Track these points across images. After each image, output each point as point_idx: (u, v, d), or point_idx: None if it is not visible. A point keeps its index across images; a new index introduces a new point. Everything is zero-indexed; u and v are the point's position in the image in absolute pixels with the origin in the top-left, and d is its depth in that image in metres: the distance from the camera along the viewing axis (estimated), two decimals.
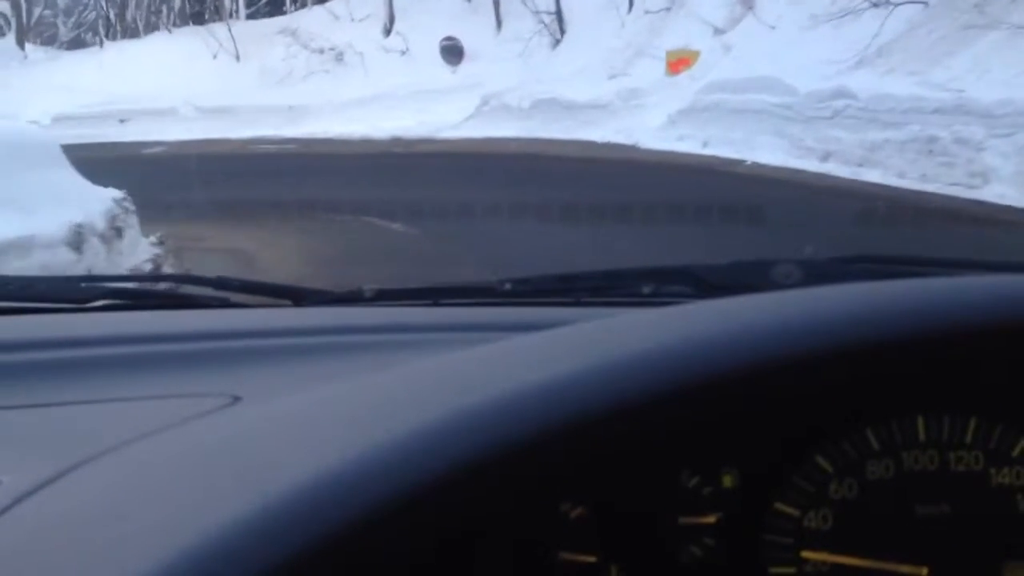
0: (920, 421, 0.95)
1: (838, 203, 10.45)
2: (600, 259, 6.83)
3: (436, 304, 1.65)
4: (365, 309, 1.66)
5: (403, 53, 20.53)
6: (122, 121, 19.52)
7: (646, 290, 1.62)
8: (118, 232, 7.80)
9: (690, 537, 0.94)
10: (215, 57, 21.43)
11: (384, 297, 1.66)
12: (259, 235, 9.71)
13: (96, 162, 14.04)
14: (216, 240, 9.31)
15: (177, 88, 20.64)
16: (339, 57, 20.65)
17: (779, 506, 0.94)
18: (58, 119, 19.32)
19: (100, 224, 7.48)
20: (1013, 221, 8.95)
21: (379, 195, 11.63)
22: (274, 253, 8.90)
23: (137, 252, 8.02)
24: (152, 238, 8.74)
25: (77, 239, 6.87)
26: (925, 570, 0.94)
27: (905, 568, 0.94)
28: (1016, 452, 0.96)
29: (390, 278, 5.96)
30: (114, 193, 8.37)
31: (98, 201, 7.75)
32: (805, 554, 0.93)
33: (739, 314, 0.95)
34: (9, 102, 19.39)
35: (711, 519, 0.94)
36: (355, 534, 0.73)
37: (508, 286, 1.65)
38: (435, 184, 13.18)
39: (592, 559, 0.92)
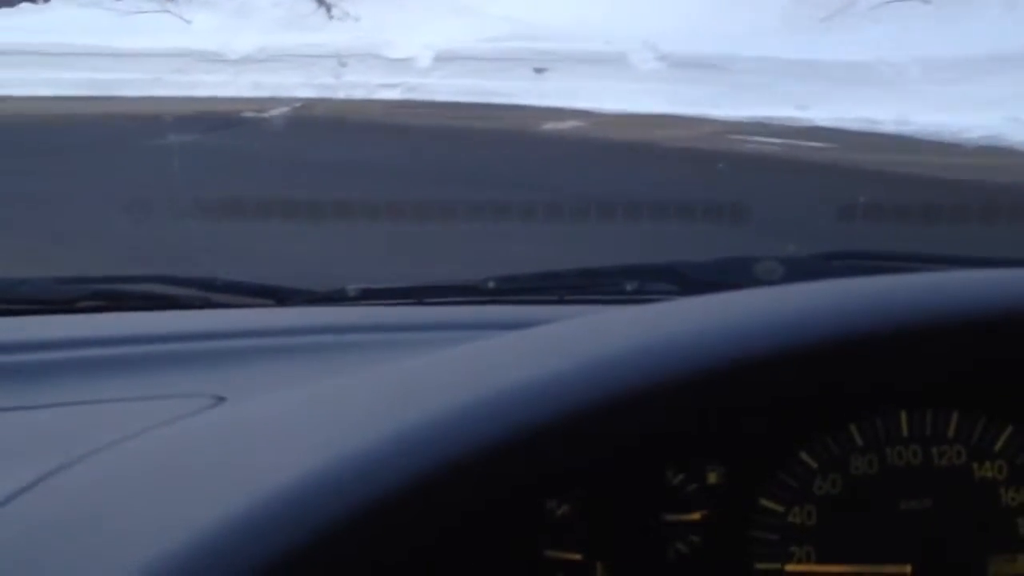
0: (903, 416, 0.95)
1: None
2: None
3: (420, 303, 1.65)
4: (349, 308, 1.66)
5: None
6: (538, 70, 11.94)
7: (629, 287, 1.62)
8: None
9: (676, 534, 0.94)
10: None
11: (368, 296, 1.66)
12: None
13: (463, 138, 8.93)
14: None
15: (636, 21, 12.01)
16: None
17: (764, 502, 0.94)
18: (443, 59, 12.29)
19: None
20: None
21: None
22: None
23: None
24: None
25: None
26: (909, 567, 0.94)
27: (889, 568, 0.94)
28: (998, 446, 0.96)
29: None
30: None
31: None
32: (790, 567, 0.94)
33: (722, 311, 0.96)
34: (390, 28, 13.01)
35: (696, 516, 0.94)
36: (341, 534, 0.74)
37: (492, 284, 1.65)
38: None
39: (578, 557, 0.92)
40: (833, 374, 0.88)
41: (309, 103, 11.03)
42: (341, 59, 12.55)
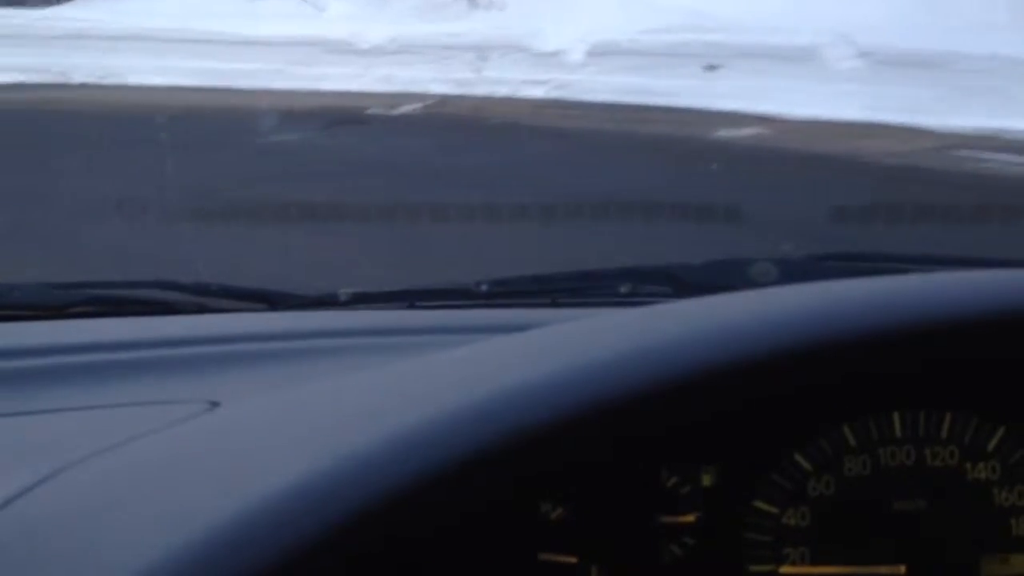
0: (896, 417, 0.96)
1: None
2: None
3: (412, 307, 1.66)
4: (341, 313, 1.67)
5: None
6: (710, 68, 9.65)
7: (623, 290, 1.62)
8: None
9: (670, 536, 0.94)
10: None
11: (360, 300, 1.67)
12: None
13: (618, 145, 7.37)
14: None
15: (830, 11, 9.67)
16: None
17: (758, 504, 0.95)
18: (598, 52, 10.29)
19: None
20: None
21: None
22: None
23: None
24: None
25: None
26: (903, 568, 0.95)
27: (883, 569, 0.94)
28: (991, 446, 0.97)
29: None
30: None
31: None
32: (784, 568, 0.94)
33: (716, 313, 0.97)
34: (539, 17, 11.04)
35: (691, 518, 0.95)
36: (333, 539, 0.74)
37: (484, 288, 1.66)
38: None
39: (572, 560, 0.93)
40: (827, 376, 0.89)
41: (443, 100, 9.58)
42: (482, 52, 10.85)
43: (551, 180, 6.42)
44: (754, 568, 0.95)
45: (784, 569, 0.95)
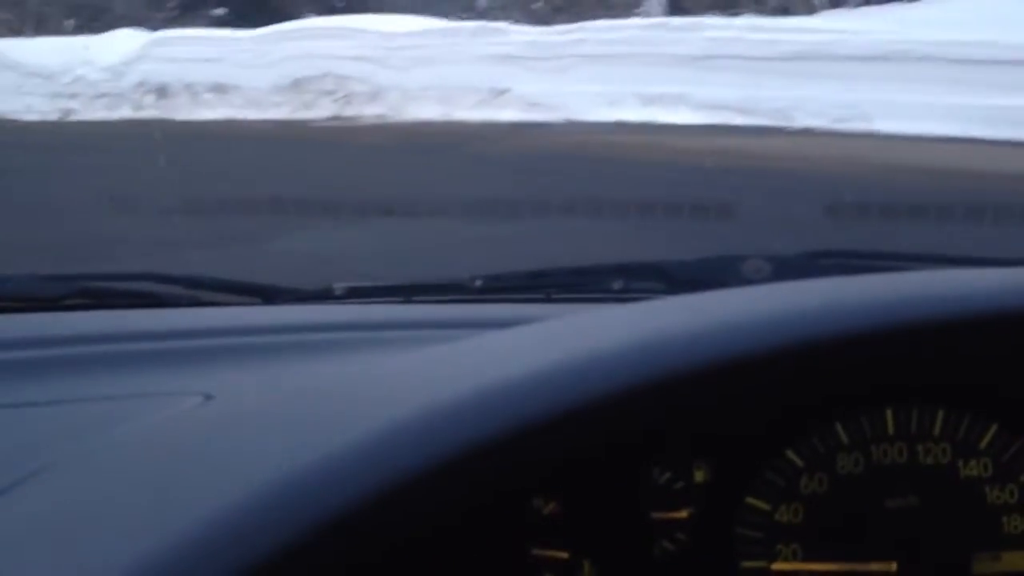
0: (889, 414, 0.96)
1: None
2: None
3: (407, 301, 1.65)
4: (336, 307, 1.65)
5: None
6: None
7: (616, 286, 1.61)
8: None
9: (662, 532, 0.94)
10: None
11: (354, 295, 1.66)
12: None
13: None
14: None
15: None
16: None
17: (750, 500, 0.95)
18: None
19: None
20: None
21: None
22: None
23: None
24: None
25: None
26: (894, 565, 0.95)
27: (874, 566, 0.95)
28: (984, 444, 0.97)
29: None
30: None
31: None
32: (776, 565, 0.94)
33: (709, 310, 0.97)
34: None
35: (683, 514, 0.95)
36: (328, 533, 0.74)
37: (479, 283, 1.65)
38: None
39: (564, 555, 0.93)
40: (819, 373, 0.89)
41: None
42: None
43: None
44: (746, 564, 0.95)
45: (776, 565, 0.95)
